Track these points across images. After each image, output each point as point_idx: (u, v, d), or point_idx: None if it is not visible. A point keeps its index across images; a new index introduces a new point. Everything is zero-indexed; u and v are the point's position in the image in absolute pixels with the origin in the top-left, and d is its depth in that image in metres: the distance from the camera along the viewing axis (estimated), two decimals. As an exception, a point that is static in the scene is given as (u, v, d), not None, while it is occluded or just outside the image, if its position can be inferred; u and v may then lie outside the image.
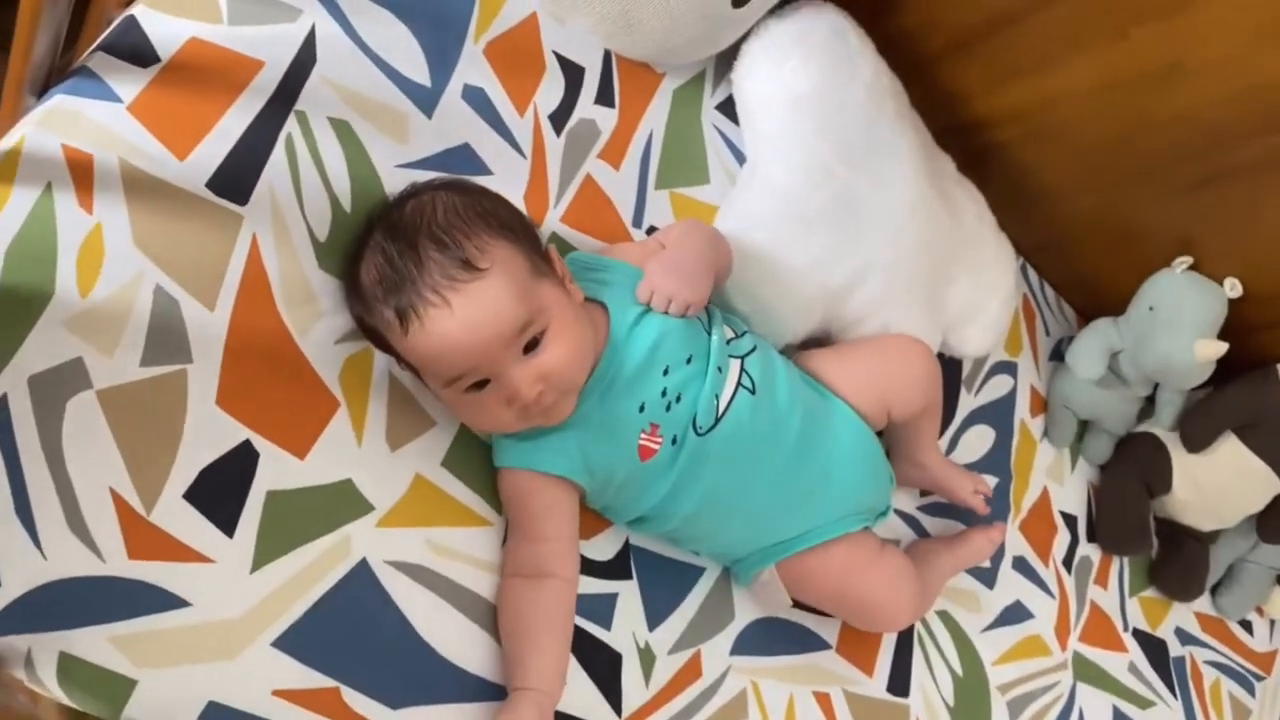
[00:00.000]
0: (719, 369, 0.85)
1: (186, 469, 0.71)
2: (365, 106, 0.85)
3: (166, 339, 0.72)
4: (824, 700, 0.98)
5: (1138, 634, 1.32)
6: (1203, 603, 1.42)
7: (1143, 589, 1.36)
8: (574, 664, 0.83)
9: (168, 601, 0.68)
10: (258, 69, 0.81)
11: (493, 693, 0.79)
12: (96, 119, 0.73)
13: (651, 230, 1.00)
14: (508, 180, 0.91)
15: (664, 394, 0.82)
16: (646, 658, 0.88)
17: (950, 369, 1.18)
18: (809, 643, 1.00)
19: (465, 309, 0.73)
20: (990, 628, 1.15)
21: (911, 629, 1.08)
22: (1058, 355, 1.36)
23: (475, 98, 0.92)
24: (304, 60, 0.83)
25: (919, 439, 1.05)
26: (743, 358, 0.88)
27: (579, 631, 0.84)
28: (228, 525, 0.72)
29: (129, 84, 0.75)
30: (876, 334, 1.03)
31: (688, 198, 1.04)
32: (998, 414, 1.26)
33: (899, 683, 1.05)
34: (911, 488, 1.13)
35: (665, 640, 0.90)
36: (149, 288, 0.72)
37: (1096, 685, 1.24)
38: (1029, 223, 1.27)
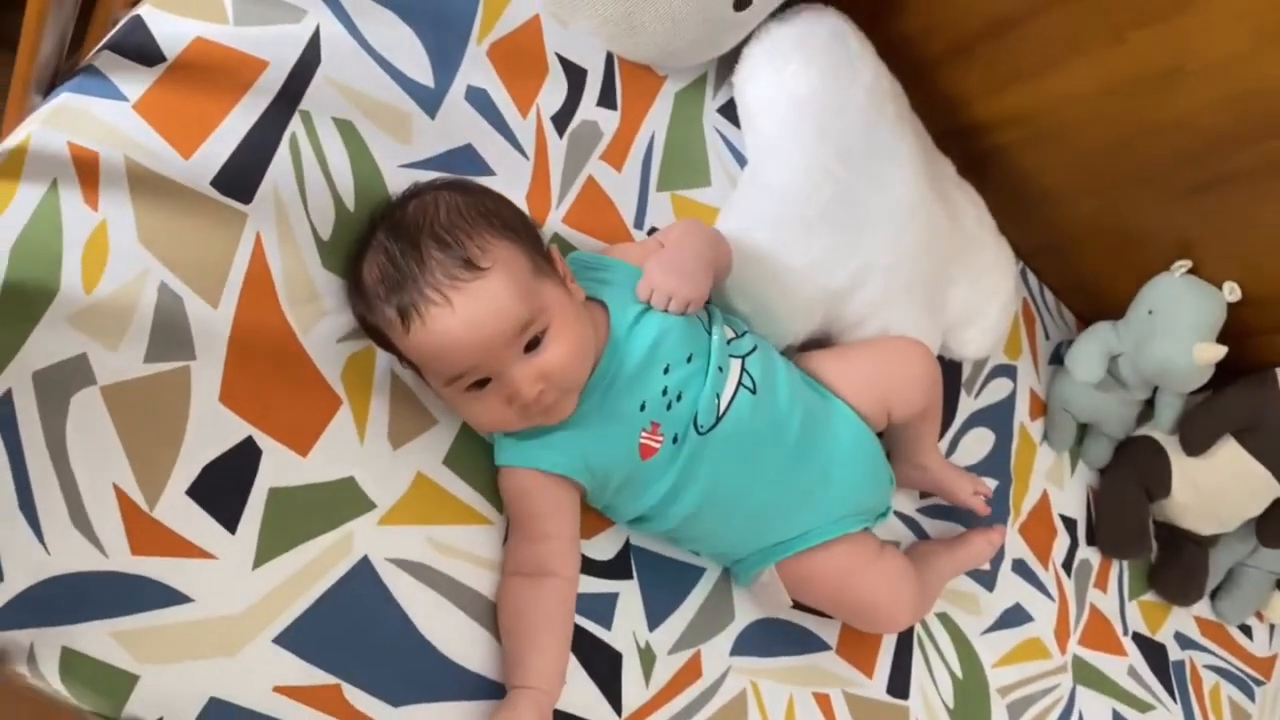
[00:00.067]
0: (720, 368, 0.86)
1: (189, 465, 0.71)
2: (369, 107, 0.86)
3: (170, 336, 0.72)
4: (824, 701, 0.98)
5: (1137, 638, 1.32)
6: (1202, 607, 1.42)
7: (1142, 593, 1.36)
8: (574, 663, 0.84)
9: (170, 597, 0.68)
10: (262, 69, 0.81)
11: (493, 691, 0.79)
12: (102, 117, 0.74)
13: (653, 232, 1.00)
14: (510, 181, 0.92)
15: (664, 392, 0.83)
16: (647, 657, 0.88)
17: (950, 372, 1.19)
18: (809, 644, 1.00)
19: (467, 308, 0.74)
20: (990, 630, 1.15)
21: (911, 631, 1.08)
22: (1057, 359, 1.36)
23: (478, 99, 0.93)
24: (308, 60, 0.83)
25: (919, 441, 1.05)
26: (743, 357, 0.88)
27: (579, 631, 0.84)
28: (230, 522, 0.72)
29: (135, 83, 0.76)
30: (876, 335, 1.04)
31: (689, 200, 1.04)
32: (997, 417, 1.26)
33: (899, 684, 1.05)
34: (911, 489, 1.13)
35: (665, 640, 0.90)
36: (153, 285, 0.72)
37: (1096, 688, 1.24)
38: (1029, 226, 1.28)
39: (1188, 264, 1.25)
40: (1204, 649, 1.40)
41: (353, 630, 0.75)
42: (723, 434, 0.84)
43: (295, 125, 0.81)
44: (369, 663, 0.75)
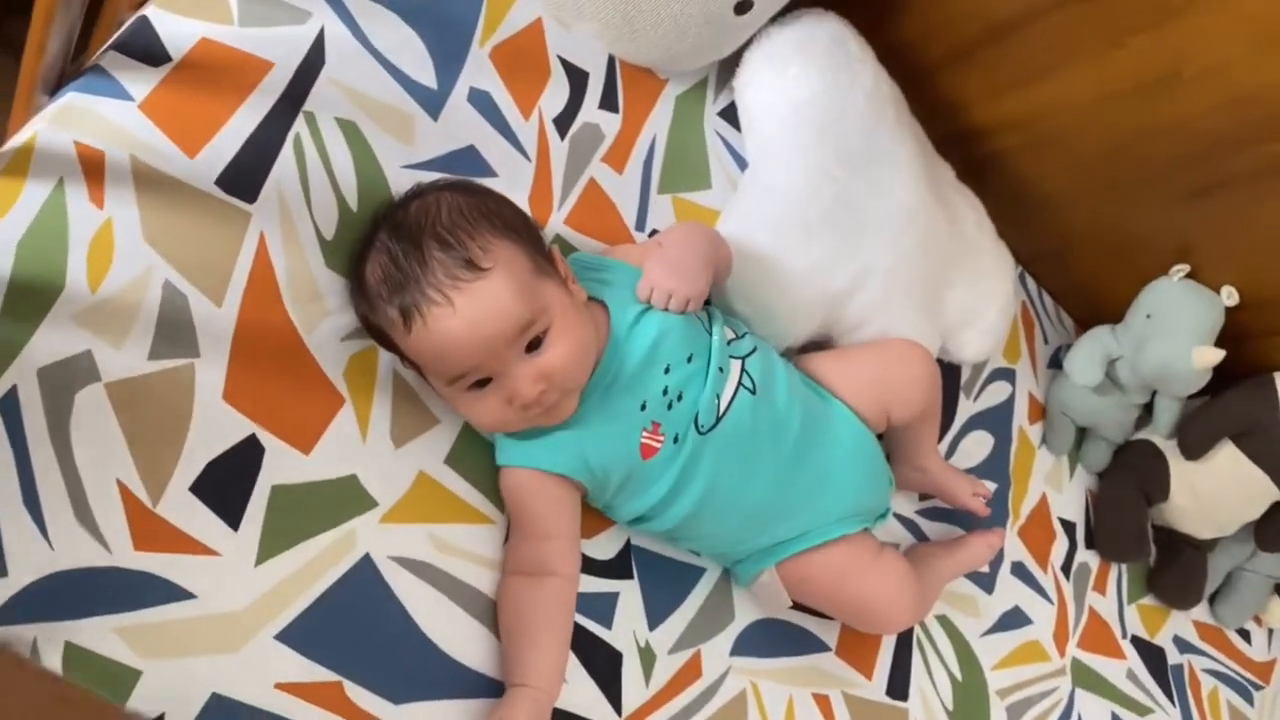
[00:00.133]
0: (720, 369, 0.86)
1: (193, 462, 0.71)
2: (372, 108, 0.86)
3: (174, 333, 0.73)
4: (823, 702, 0.99)
5: (1136, 641, 1.32)
6: (1201, 611, 1.42)
7: (1141, 596, 1.36)
8: (574, 662, 0.84)
9: (173, 593, 0.69)
10: (267, 69, 0.82)
11: (493, 689, 0.79)
12: (108, 116, 0.74)
13: (653, 234, 1.01)
14: (512, 183, 0.92)
15: (665, 392, 0.83)
16: (647, 657, 0.89)
17: (949, 375, 1.19)
18: (809, 644, 1.00)
19: (468, 308, 0.74)
20: (989, 632, 1.16)
21: (911, 633, 1.08)
22: (1056, 363, 1.37)
23: (481, 101, 0.93)
24: (313, 61, 0.84)
25: (919, 442, 1.06)
26: (743, 358, 0.89)
27: (579, 630, 0.85)
28: (233, 518, 0.72)
29: (141, 82, 0.76)
30: (876, 338, 1.04)
31: (690, 202, 1.05)
32: (996, 420, 1.26)
33: (898, 686, 1.05)
34: (911, 491, 1.13)
35: (665, 640, 0.90)
36: (158, 282, 0.73)
37: (1095, 691, 1.24)
38: (1028, 230, 1.28)
39: (1186, 268, 1.26)
40: (1202, 653, 1.40)
41: (354, 628, 0.75)
42: (723, 434, 0.85)
43: (299, 126, 0.82)
44: (370, 660, 0.75)
